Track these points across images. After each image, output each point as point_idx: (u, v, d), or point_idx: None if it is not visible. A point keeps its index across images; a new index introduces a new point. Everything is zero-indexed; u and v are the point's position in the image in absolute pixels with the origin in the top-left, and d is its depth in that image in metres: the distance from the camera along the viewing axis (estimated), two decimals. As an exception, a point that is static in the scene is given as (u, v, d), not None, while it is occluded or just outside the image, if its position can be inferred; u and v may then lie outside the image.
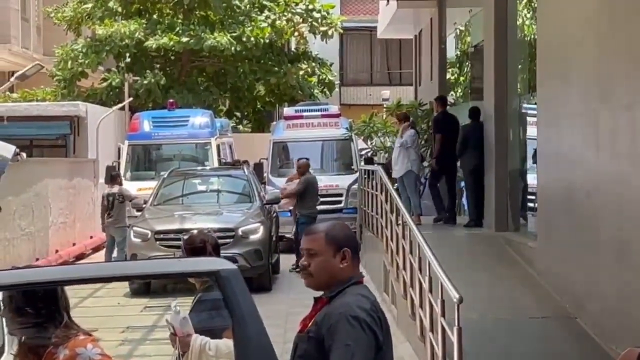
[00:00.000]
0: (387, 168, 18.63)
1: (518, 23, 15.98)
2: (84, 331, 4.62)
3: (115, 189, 20.69)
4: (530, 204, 15.15)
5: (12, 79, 19.88)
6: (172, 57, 36.09)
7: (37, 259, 20.55)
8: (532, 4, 16.27)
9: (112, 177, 21.41)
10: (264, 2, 36.17)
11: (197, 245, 6.51)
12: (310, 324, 4.47)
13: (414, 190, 18.23)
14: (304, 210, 20.01)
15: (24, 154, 7.15)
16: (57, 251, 22.58)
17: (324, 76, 37.57)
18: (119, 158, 25.58)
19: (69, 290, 4.48)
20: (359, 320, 4.33)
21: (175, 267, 3.80)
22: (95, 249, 24.33)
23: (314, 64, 37.58)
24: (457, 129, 17.96)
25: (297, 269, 19.13)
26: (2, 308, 4.64)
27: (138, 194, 21.03)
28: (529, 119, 15.57)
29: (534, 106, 14.23)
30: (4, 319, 4.73)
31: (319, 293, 4.57)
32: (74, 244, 23.89)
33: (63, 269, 4.28)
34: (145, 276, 4.45)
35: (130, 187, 22.41)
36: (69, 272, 4.11)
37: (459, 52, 25.75)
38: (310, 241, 4.54)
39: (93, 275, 4.00)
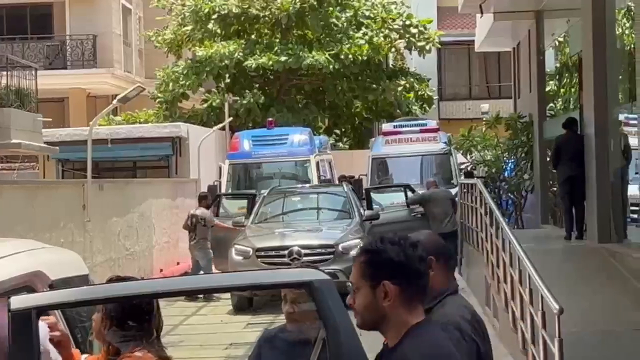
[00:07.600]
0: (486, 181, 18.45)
1: (617, 32, 15.75)
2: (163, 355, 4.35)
3: (199, 211, 20.67)
4: (634, 215, 14.91)
5: (114, 102, 20.24)
6: (271, 77, 36.39)
7: (142, 278, 20.88)
8: (631, 13, 16.05)
9: (199, 198, 21.41)
10: (361, 20, 36.27)
11: None
12: None
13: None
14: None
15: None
16: (161, 270, 22.93)
17: (422, 92, 37.47)
18: (220, 177, 25.87)
19: (173, 306, 4.41)
20: (461, 330, 4.37)
21: (268, 279, 3.82)
22: (199, 268, 24.62)
23: (412, 79, 37.52)
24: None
25: None
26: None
27: (217, 222, 20.69)
28: (630, 128, 15.34)
29: (636, 116, 14.02)
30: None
31: None
32: (178, 263, 24.22)
33: (156, 282, 4.26)
34: (235, 288, 4.38)
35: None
36: (159, 285, 4.05)
37: (558, 64, 25.46)
38: None
39: (180, 288, 3.95)
